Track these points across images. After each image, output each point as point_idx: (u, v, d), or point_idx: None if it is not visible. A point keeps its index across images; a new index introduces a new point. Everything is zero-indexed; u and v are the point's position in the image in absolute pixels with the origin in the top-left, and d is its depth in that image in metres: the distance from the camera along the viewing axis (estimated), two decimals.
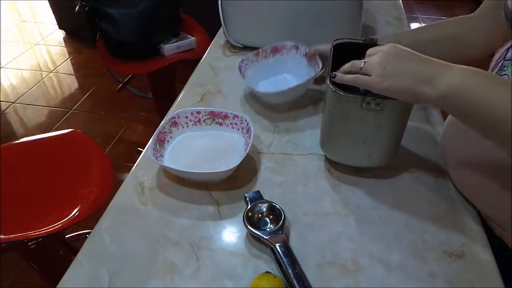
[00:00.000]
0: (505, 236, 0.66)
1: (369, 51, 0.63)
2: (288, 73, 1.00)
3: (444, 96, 0.54)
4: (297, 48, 0.98)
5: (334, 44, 0.75)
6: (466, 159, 0.69)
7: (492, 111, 0.51)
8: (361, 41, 0.73)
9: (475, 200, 0.69)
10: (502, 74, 0.62)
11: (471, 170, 0.68)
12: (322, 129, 0.77)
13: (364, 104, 0.63)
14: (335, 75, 0.65)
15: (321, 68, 0.89)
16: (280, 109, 0.93)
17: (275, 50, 1.00)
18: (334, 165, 0.77)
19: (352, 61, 0.64)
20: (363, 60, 0.61)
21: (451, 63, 0.56)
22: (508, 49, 0.63)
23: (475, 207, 0.69)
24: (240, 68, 0.95)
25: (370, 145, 0.70)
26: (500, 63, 0.64)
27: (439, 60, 0.57)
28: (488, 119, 0.52)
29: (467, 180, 0.69)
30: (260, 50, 0.99)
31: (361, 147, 0.70)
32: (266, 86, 0.96)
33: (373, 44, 0.68)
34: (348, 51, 0.71)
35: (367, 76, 0.60)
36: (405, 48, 0.60)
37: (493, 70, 0.65)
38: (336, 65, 0.67)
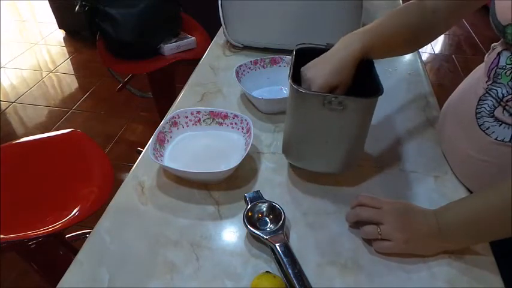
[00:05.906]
0: None
1: (371, 206, 0.64)
2: (284, 86, 1.00)
3: (459, 243, 0.61)
4: None
5: (297, 48, 0.74)
6: (461, 147, 0.71)
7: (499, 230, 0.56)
8: (324, 46, 0.71)
9: (469, 182, 0.72)
10: (498, 81, 0.63)
11: (468, 157, 0.70)
12: (284, 133, 0.73)
13: (325, 103, 0.61)
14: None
15: None
16: None
17: (273, 61, 1.01)
18: None
19: (366, 228, 0.63)
20: (376, 226, 0.61)
21: (434, 211, 0.61)
22: (498, 54, 0.64)
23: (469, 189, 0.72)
24: (237, 73, 0.95)
25: (332, 148, 0.67)
26: (494, 70, 0.64)
27: (426, 210, 0.62)
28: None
29: (464, 167, 0.73)
30: (258, 59, 1.00)
31: (323, 150, 0.68)
32: (260, 94, 0.96)
33: None
34: (312, 56, 0.69)
35: (388, 242, 0.61)
36: (404, 203, 0.64)
37: (488, 76, 0.65)
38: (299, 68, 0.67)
